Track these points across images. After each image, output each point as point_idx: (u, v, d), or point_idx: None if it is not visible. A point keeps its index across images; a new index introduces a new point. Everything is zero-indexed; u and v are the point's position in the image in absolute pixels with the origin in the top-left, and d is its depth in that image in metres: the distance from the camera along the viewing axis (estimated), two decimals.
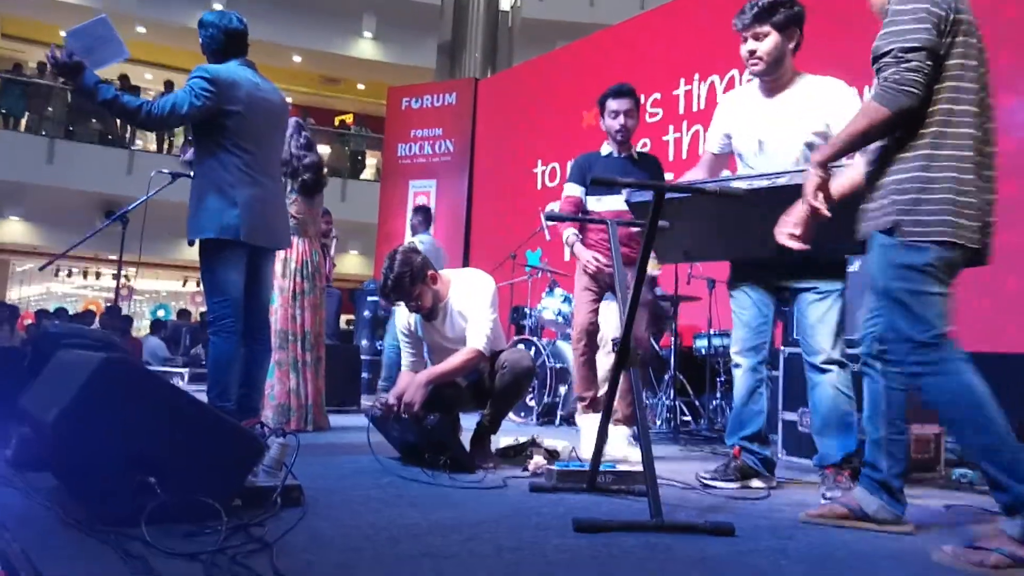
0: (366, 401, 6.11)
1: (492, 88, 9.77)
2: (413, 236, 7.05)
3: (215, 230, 3.02)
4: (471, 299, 3.13)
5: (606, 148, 3.79)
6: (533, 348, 5.48)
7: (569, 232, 3.70)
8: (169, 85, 15.07)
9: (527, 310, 6.21)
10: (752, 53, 2.74)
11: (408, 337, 3.30)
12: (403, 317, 3.28)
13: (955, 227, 1.90)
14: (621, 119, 3.66)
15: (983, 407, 1.84)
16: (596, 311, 3.70)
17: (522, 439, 3.40)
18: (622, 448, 3.49)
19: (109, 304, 15.19)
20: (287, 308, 4.27)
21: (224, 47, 3.18)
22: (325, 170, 4.63)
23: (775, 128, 2.78)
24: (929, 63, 1.90)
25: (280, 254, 4.26)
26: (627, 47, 7.72)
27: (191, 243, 3.11)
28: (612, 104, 3.68)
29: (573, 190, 3.77)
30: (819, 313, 2.71)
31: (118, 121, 14.49)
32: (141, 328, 16.99)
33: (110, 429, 1.70)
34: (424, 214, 7.22)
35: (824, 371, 2.69)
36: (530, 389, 5.32)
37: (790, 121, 2.75)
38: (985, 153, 1.99)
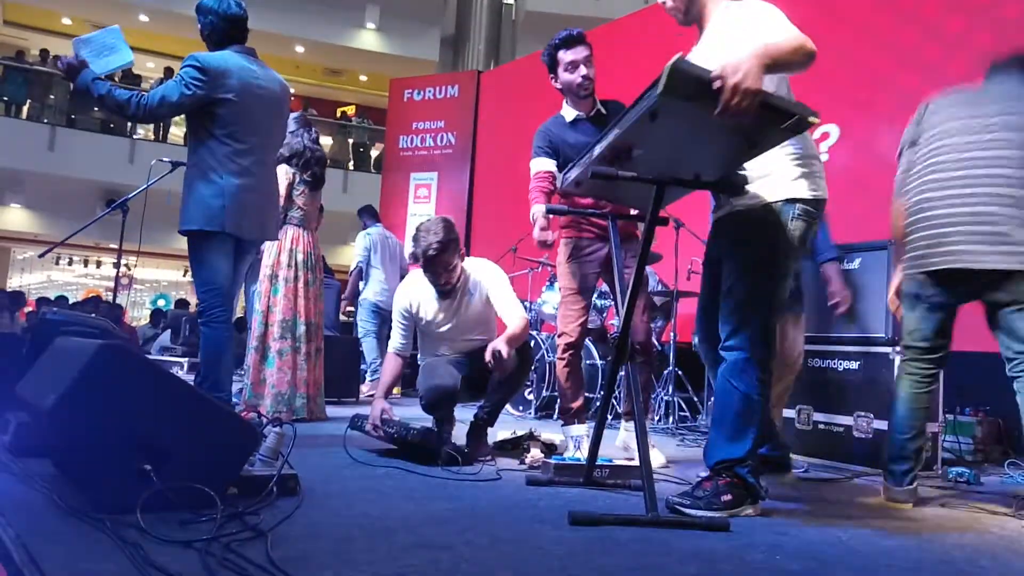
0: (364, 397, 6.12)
1: (495, 81, 9.74)
2: (364, 230, 7.11)
3: (200, 221, 3.02)
4: (491, 283, 3.24)
5: (569, 112, 3.33)
6: (533, 342, 5.48)
7: (538, 210, 3.14)
8: (169, 72, 15.06)
9: (527, 304, 6.20)
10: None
11: (405, 319, 3.31)
12: (405, 298, 3.30)
13: None
14: (582, 69, 3.19)
15: None
16: (586, 321, 3.31)
17: (520, 432, 3.40)
18: (631, 441, 3.48)
19: (93, 296, 15.21)
20: (290, 298, 4.27)
21: (223, 34, 3.16)
22: (327, 162, 4.64)
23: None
24: None
25: (287, 244, 4.26)
26: (631, 41, 7.70)
27: (182, 233, 3.10)
28: (566, 55, 3.23)
29: (544, 164, 3.27)
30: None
31: None
32: (142, 318, 17.00)
33: (107, 416, 1.70)
34: (369, 211, 7.39)
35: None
36: (528, 383, 5.33)
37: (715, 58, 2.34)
38: None
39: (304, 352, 4.24)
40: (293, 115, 4.19)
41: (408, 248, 4.49)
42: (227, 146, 3.05)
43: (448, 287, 3.16)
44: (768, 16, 2.22)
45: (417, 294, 3.27)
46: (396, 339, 3.34)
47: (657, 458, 3.12)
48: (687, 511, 2.13)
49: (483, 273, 3.27)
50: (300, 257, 4.32)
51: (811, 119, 1.88)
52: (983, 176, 2.50)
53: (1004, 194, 2.45)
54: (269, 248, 4.29)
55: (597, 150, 2.15)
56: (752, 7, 2.30)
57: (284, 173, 4.22)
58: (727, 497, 2.18)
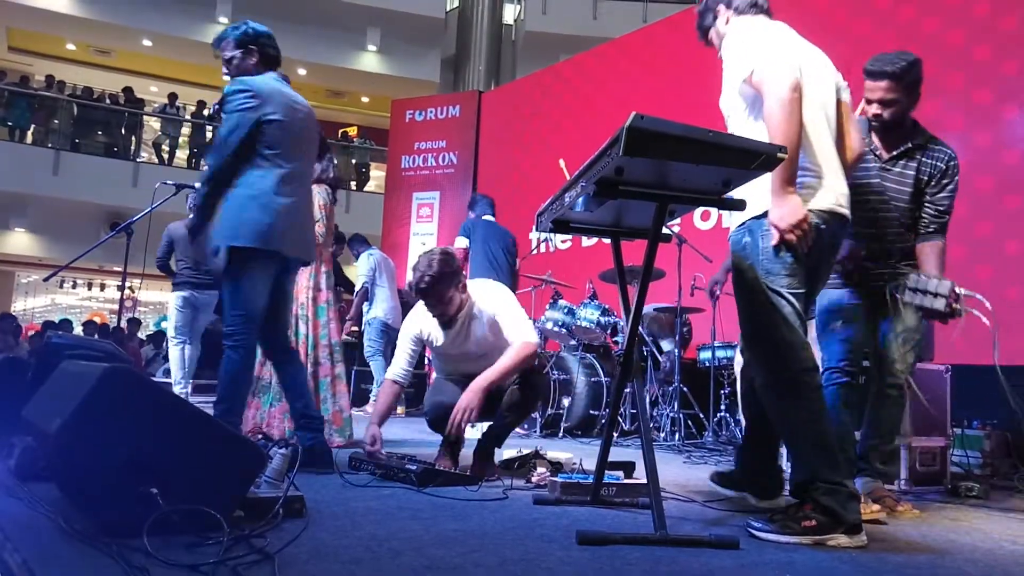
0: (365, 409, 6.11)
1: (495, 100, 9.80)
2: (362, 253, 7.12)
3: (251, 239, 2.93)
4: (497, 307, 3.17)
5: None
6: (537, 360, 5.46)
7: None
8: (172, 97, 15.16)
9: (534, 321, 6.20)
10: None
11: (414, 345, 3.28)
12: (415, 324, 3.27)
13: None
14: None
15: None
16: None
17: (525, 451, 3.39)
18: None
19: (97, 320, 15.20)
20: (336, 321, 4.26)
21: (259, 62, 3.17)
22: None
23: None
24: None
25: (321, 266, 4.25)
26: (630, 60, 7.75)
27: (216, 252, 2.98)
28: None
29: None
30: None
31: (123, 132, 14.62)
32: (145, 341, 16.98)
33: (112, 439, 1.70)
34: (359, 239, 7.34)
35: None
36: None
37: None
38: None
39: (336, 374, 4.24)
40: None
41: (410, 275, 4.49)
42: (276, 167, 3.00)
43: (446, 318, 3.14)
44: (728, 53, 2.41)
45: (428, 322, 3.23)
46: (398, 365, 3.29)
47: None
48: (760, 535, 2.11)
49: (489, 298, 3.21)
50: (332, 279, 4.31)
51: (779, 155, 1.93)
52: None
53: None
54: (305, 271, 4.17)
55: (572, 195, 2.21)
56: (727, 40, 2.47)
57: (318, 194, 4.12)
58: (809, 523, 2.07)
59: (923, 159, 2.85)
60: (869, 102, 2.83)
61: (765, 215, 2.26)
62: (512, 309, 3.17)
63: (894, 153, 2.87)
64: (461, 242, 5.82)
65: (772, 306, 2.23)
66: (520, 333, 3.10)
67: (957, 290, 2.59)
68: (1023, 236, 4.43)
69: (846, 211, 2.35)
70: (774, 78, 2.17)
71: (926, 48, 5.05)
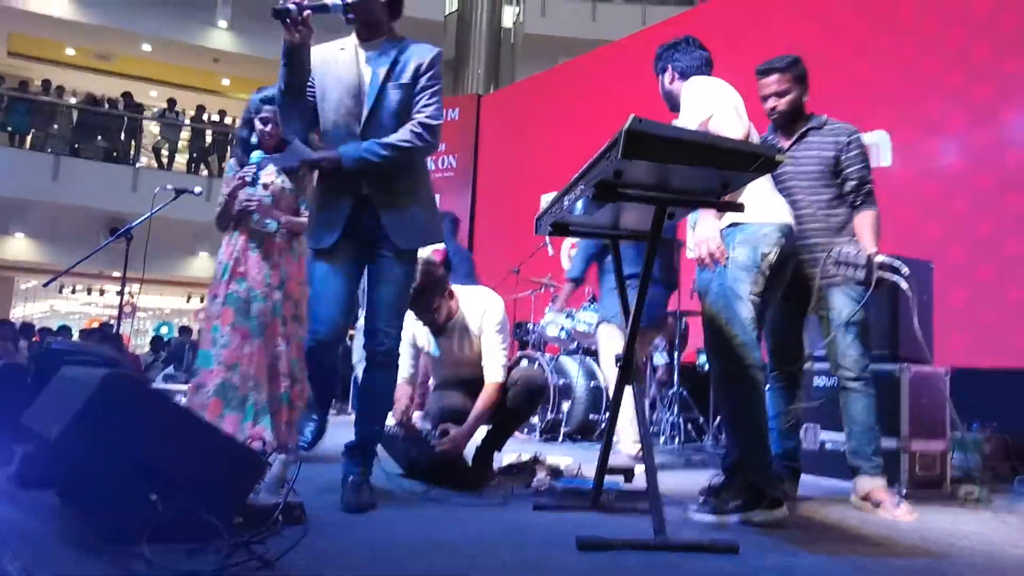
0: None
1: (495, 104, 9.81)
2: None
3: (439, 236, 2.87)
4: (483, 323, 3.15)
5: None
6: (536, 364, 5.47)
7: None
8: (172, 103, 15.16)
9: (530, 326, 6.20)
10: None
11: (411, 348, 3.29)
12: (408, 331, 3.27)
13: None
14: None
15: None
16: None
17: (525, 456, 3.38)
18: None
19: (102, 323, 15.19)
20: None
21: None
22: None
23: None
24: None
25: None
26: (629, 63, 7.76)
27: (413, 247, 2.63)
28: None
29: None
30: None
31: (122, 137, 14.59)
32: (144, 346, 17.00)
33: (112, 446, 1.70)
34: None
35: None
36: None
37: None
38: None
39: None
40: None
41: None
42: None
43: (436, 327, 3.14)
44: (688, 98, 2.69)
45: (420, 330, 3.23)
46: (404, 368, 3.28)
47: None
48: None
49: (479, 313, 3.17)
50: None
51: (777, 158, 1.98)
52: None
53: None
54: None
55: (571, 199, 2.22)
56: (684, 92, 2.76)
57: None
58: (736, 503, 2.39)
59: (824, 139, 2.99)
60: (765, 98, 3.03)
61: (735, 225, 2.61)
62: (492, 335, 3.12)
63: (793, 139, 3.02)
64: (438, 245, 5.84)
65: (732, 309, 2.55)
66: (488, 370, 3.08)
67: (878, 259, 2.74)
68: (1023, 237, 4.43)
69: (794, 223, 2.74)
70: (730, 127, 2.49)
71: (926, 49, 5.07)
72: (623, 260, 2.74)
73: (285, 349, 3.40)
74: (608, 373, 4.17)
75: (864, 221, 2.91)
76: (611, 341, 4.05)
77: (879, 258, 2.74)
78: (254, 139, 3.50)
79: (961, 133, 4.93)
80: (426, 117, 2.51)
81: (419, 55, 2.54)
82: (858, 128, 3.05)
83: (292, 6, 2.30)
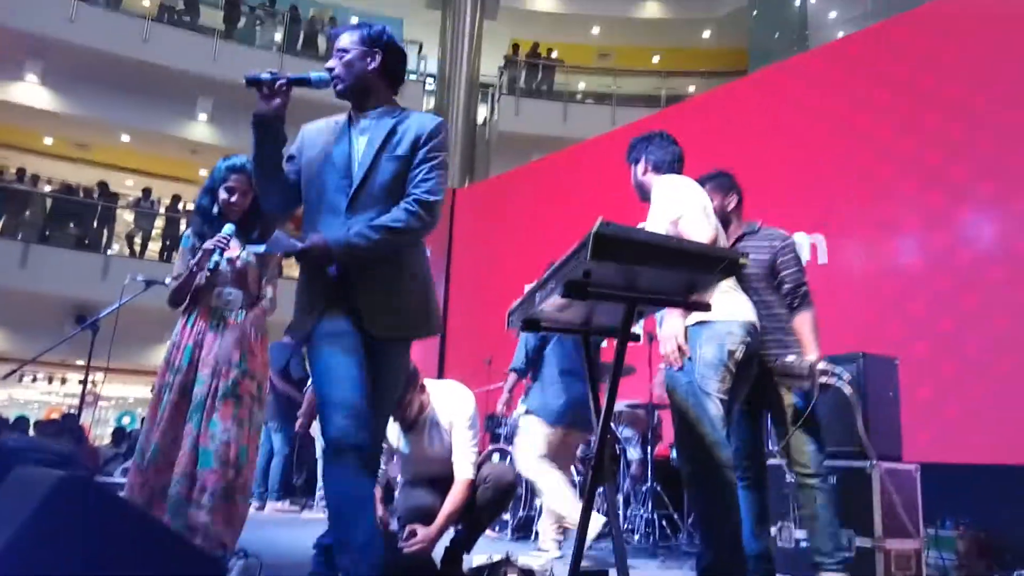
0: None
1: (469, 197, 10.01)
2: None
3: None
4: (454, 418, 3.10)
5: None
6: (508, 458, 5.38)
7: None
8: (147, 192, 15.23)
9: (502, 419, 6.13)
10: None
11: (383, 446, 3.22)
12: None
13: None
14: None
15: None
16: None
17: (496, 557, 3.28)
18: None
19: (65, 413, 14.72)
20: None
21: None
22: None
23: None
24: None
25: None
26: (599, 161, 8.01)
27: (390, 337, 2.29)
28: None
29: None
30: None
31: (95, 225, 14.55)
32: (104, 436, 16.48)
33: (63, 555, 1.63)
34: None
35: None
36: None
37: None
38: None
39: None
40: None
41: None
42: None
43: (407, 423, 3.10)
44: (659, 195, 2.79)
45: (390, 425, 3.19)
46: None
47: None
48: None
49: (449, 409, 3.14)
50: None
51: (741, 261, 2.03)
52: None
53: None
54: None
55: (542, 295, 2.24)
56: (655, 189, 2.86)
57: None
58: None
59: (760, 243, 3.12)
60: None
61: (702, 323, 2.67)
62: (463, 431, 3.09)
63: (730, 245, 3.14)
64: None
65: (702, 407, 2.60)
66: (458, 467, 3.04)
67: (819, 366, 2.88)
68: (983, 335, 4.54)
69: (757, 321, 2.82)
70: (699, 229, 2.61)
71: (882, 156, 5.31)
72: (562, 356, 2.81)
73: (236, 432, 2.86)
74: (524, 466, 4.03)
75: (803, 324, 3.01)
76: (530, 435, 4.06)
77: (820, 365, 2.89)
78: (215, 209, 3.14)
79: (917, 235, 5.12)
80: (423, 193, 2.19)
81: (419, 124, 2.27)
82: (792, 233, 3.23)
83: (267, 75, 2.14)
